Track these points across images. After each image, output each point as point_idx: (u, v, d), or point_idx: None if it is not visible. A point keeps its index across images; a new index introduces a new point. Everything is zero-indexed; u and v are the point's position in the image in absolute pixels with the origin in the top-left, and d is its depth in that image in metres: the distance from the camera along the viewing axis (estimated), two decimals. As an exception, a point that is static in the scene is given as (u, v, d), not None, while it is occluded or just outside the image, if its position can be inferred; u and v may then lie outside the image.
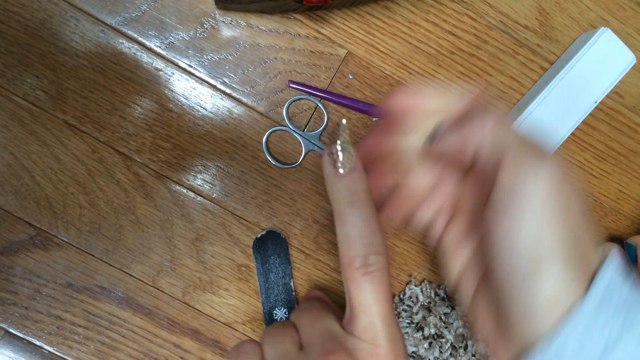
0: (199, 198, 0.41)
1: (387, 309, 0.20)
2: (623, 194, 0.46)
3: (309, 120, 0.42)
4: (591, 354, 0.18)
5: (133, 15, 0.39)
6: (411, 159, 0.24)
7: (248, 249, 0.41)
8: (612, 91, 0.43)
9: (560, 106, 0.41)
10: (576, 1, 0.44)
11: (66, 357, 0.40)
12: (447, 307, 0.42)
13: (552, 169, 0.19)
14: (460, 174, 0.25)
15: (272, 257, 0.41)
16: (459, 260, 0.25)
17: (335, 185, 0.20)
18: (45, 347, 0.39)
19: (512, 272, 0.19)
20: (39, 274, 0.39)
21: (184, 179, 0.40)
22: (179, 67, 0.40)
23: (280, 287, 0.41)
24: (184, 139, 0.40)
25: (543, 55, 0.43)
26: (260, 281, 0.41)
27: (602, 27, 0.41)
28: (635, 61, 0.41)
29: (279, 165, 0.41)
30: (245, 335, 0.42)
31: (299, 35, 0.41)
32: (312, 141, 0.41)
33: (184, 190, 0.41)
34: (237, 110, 0.41)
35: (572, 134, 0.43)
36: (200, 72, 0.40)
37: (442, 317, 0.42)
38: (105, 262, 0.40)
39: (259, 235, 0.41)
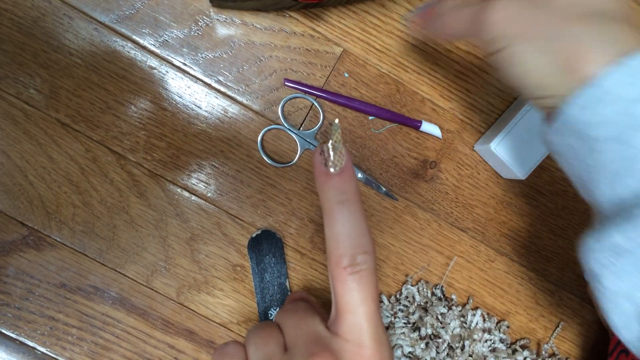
0: (193, 197, 0.40)
1: (373, 309, 0.20)
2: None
3: (305, 118, 0.41)
4: None
5: (127, 13, 0.39)
6: None
7: (243, 248, 0.41)
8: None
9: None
10: None
11: (59, 358, 0.39)
12: (444, 307, 0.42)
13: None
14: None
15: (268, 256, 0.41)
16: None
17: (325, 184, 0.20)
18: (39, 347, 0.39)
19: None
20: (32, 274, 0.39)
21: (178, 178, 0.40)
22: (173, 65, 0.39)
23: (275, 287, 0.41)
24: (178, 138, 0.40)
25: (540, 53, 0.43)
26: (256, 281, 0.40)
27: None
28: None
29: (274, 164, 0.41)
30: (241, 335, 0.41)
31: (295, 33, 0.40)
32: (308, 140, 0.41)
33: (179, 190, 0.40)
34: (232, 108, 0.40)
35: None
36: (194, 70, 0.40)
37: (439, 317, 0.41)
38: (99, 262, 0.40)
39: (254, 235, 0.40)
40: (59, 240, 0.39)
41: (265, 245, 0.40)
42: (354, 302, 0.20)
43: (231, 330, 0.41)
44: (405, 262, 0.43)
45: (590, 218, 0.43)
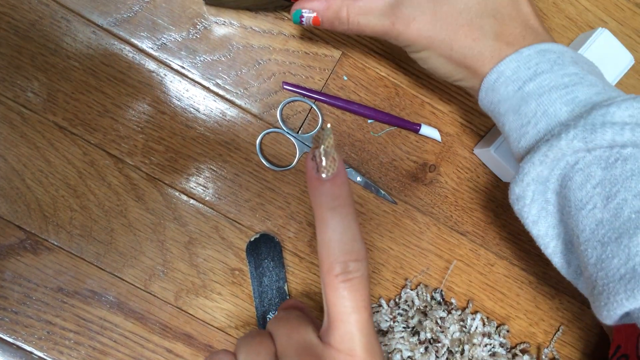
0: (191, 201, 0.40)
1: (365, 318, 0.20)
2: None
3: (303, 122, 0.41)
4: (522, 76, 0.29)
5: (125, 16, 0.38)
6: None
7: (241, 252, 0.41)
8: (610, 92, 0.42)
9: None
10: (574, 2, 0.43)
11: (57, 363, 0.39)
12: (444, 311, 0.42)
13: None
14: None
15: (266, 260, 0.40)
16: None
17: (317, 190, 0.20)
18: (36, 352, 0.39)
19: None
20: (29, 278, 0.39)
21: (176, 182, 0.40)
22: (172, 68, 0.39)
23: (274, 291, 0.41)
24: (176, 141, 0.40)
25: (540, 56, 0.43)
26: (254, 285, 0.40)
27: (600, 28, 0.40)
28: (633, 62, 0.40)
29: (272, 167, 0.40)
30: (238, 338, 0.41)
31: (293, 36, 0.40)
32: (307, 143, 0.41)
33: (177, 193, 0.40)
34: (231, 112, 0.40)
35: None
36: (193, 73, 0.40)
37: (438, 321, 0.41)
38: (97, 266, 0.39)
39: (252, 239, 0.40)
40: (56, 244, 0.39)
41: (264, 249, 0.40)
42: (346, 310, 0.19)
43: (229, 335, 0.41)
44: (405, 265, 0.43)
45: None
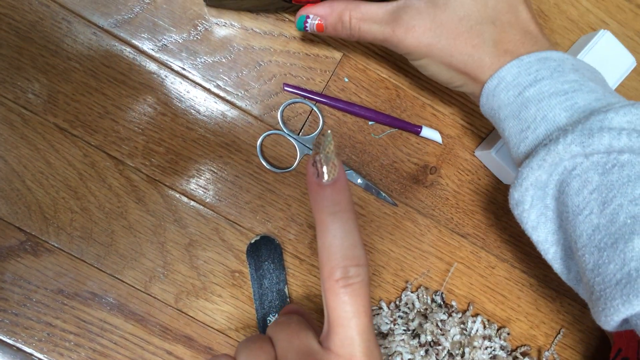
0: (192, 203, 0.40)
1: (365, 323, 0.20)
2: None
3: (304, 124, 0.41)
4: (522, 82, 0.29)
5: (125, 17, 0.38)
6: None
7: (242, 254, 0.41)
8: (612, 95, 0.42)
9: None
10: (575, 3, 0.43)
11: (57, 364, 0.39)
12: (444, 313, 0.42)
13: None
14: None
15: (266, 262, 0.40)
16: None
17: (317, 195, 0.20)
18: (36, 354, 0.39)
19: None
20: (29, 280, 0.39)
21: (177, 184, 0.40)
22: (172, 69, 0.39)
23: (274, 293, 0.40)
24: (177, 143, 0.40)
25: (542, 58, 0.43)
26: (254, 287, 0.40)
27: (602, 30, 0.40)
28: (635, 64, 0.40)
29: (273, 169, 0.40)
30: (239, 342, 0.41)
31: (294, 37, 0.40)
32: (307, 145, 0.41)
33: (177, 195, 0.40)
34: (231, 113, 0.40)
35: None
36: (193, 75, 0.39)
37: (439, 324, 0.41)
38: (97, 268, 0.39)
39: (252, 241, 0.40)
40: (56, 245, 0.39)
41: (264, 251, 0.40)
42: (346, 315, 0.19)
43: (230, 337, 0.41)
44: (405, 268, 0.43)
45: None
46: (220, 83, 0.40)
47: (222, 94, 0.40)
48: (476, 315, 0.44)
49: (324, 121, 0.41)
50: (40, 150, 0.39)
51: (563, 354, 0.45)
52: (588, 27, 0.44)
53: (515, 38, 0.30)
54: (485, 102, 0.32)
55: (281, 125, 0.40)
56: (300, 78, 0.41)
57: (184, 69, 0.39)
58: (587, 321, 0.46)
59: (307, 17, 0.32)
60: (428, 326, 0.41)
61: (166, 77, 0.39)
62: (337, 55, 0.41)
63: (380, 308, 0.42)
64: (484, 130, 0.43)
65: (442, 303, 0.43)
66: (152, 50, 0.39)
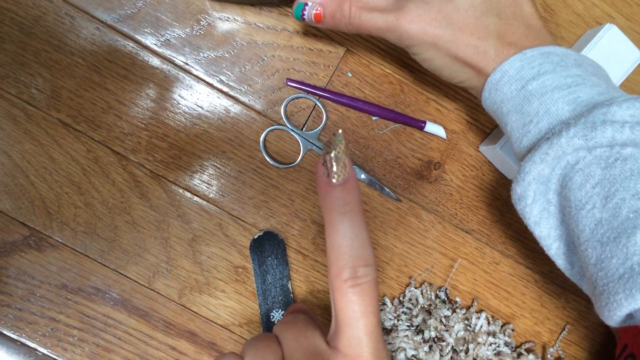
0: (195, 198, 0.40)
1: (373, 323, 0.20)
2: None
3: (307, 119, 0.41)
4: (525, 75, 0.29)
5: (128, 12, 0.38)
6: None
7: (245, 250, 0.41)
8: (617, 89, 0.42)
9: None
10: (581, -3, 0.43)
11: (60, 359, 0.39)
12: (448, 309, 0.41)
13: None
14: None
15: (270, 258, 0.40)
16: None
17: (327, 195, 0.20)
18: (40, 349, 0.39)
19: None
20: (33, 275, 0.39)
21: (180, 179, 0.40)
22: (175, 65, 0.39)
23: (277, 288, 0.40)
24: (180, 138, 0.40)
25: (547, 52, 0.42)
26: (258, 283, 0.40)
27: (608, 24, 0.40)
28: (641, 58, 0.40)
29: (276, 165, 0.40)
30: (243, 338, 0.41)
31: (297, 32, 0.40)
32: (311, 140, 0.40)
33: (180, 191, 0.40)
34: (234, 108, 0.40)
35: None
36: (196, 70, 0.39)
37: (443, 319, 0.41)
38: (100, 263, 0.39)
39: (256, 236, 0.40)
40: (60, 241, 0.39)
41: (268, 247, 0.40)
42: (354, 315, 0.19)
43: (233, 332, 0.41)
44: (409, 264, 0.43)
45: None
46: (223, 78, 0.40)
47: (225, 89, 0.40)
48: (480, 311, 0.43)
49: (327, 116, 0.41)
50: (44, 145, 0.39)
51: (568, 351, 0.45)
52: (594, 21, 0.43)
53: (519, 31, 0.30)
54: (488, 96, 0.31)
55: (284, 121, 0.40)
56: (304, 73, 0.40)
57: (187, 63, 0.39)
58: (592, 317, 0.45)
59: (305, 4, 0.32)
60: (432, 322, 0.40)
61: (169, 72, 0.39)
62: (341, 50, 0.41)
63: (384, 304, 0.42)
64: (488, 126, 0.43)
65: (446, 299, 0.42)
66: (155, 45, 0.39)
